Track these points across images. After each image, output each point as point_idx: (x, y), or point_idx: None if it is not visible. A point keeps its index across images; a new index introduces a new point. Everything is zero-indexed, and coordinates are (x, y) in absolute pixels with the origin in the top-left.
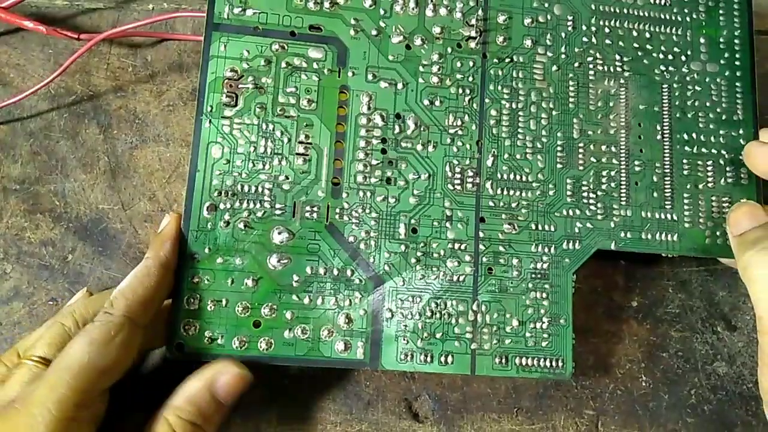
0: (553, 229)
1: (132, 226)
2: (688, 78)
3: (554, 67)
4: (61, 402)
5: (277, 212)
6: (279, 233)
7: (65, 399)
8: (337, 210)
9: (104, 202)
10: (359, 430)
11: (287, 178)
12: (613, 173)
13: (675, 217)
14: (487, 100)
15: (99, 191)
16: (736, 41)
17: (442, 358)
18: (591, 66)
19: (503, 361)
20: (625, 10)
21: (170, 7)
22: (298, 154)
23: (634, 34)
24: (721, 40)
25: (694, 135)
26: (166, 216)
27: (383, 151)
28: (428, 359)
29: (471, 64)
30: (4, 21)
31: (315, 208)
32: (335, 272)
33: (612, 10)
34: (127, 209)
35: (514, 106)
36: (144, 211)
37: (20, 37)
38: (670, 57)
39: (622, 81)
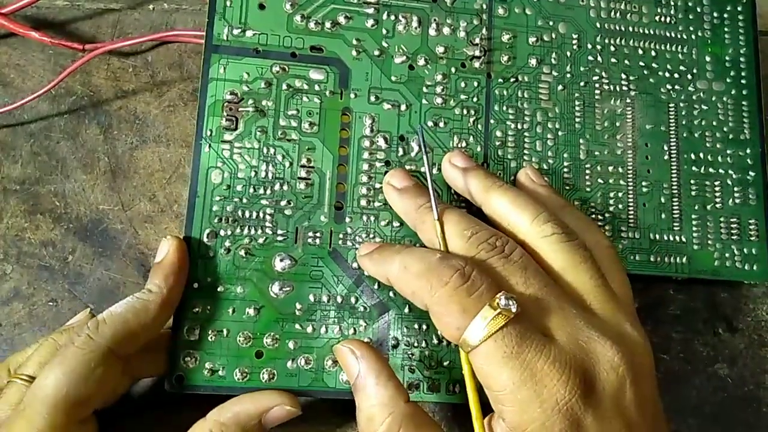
0: None
1: (132, 226)
2: (694, 97)
3: (560, 87)
4: None
5: (279, 238)
6: (281, 260)
7: None
8: (341, 235)
9: (104, 203)
10: None
11: (289, 203)
12: (620, 194)
13: (684, 239)
14: (492, 121)
15: (99, 192)
16: (742, 59)
17: (450, 387)
18: (597, 85)
19: None
20: (631, 29)
21: (170, 8)
22: (300, 178)
23: (640, 52)
24: (727, 58)
25: (701, 155)
26: (164, 241)
27: None
28: (435, 389)
29: (475, 84)
30: (10, 30)
31: (318, 234)
32: (339, 300)
33: (617, 28)
34: (127, 210)
35: (519, 126)
36: (144, 211)
37: (21, 38)
38: (676, 76)
39: (628, 100)
